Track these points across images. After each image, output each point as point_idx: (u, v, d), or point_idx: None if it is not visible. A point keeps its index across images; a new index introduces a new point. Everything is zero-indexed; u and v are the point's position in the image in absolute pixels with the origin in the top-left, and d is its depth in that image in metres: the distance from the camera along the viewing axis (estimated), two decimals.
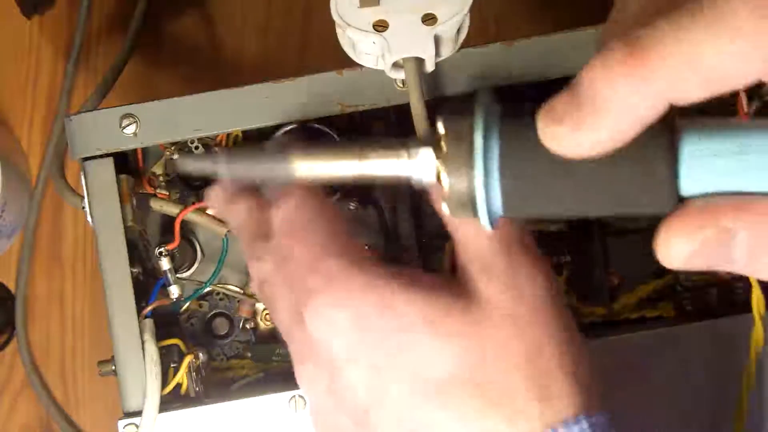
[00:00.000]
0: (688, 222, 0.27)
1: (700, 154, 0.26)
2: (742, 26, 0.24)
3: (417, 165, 0.31)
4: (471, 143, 0.29)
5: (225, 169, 0.34)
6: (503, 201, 0.29)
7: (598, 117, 0.26)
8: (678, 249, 0.28)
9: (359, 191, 0.52)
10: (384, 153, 0.32)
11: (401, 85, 0.47)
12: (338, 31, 0.46)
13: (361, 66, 0.47)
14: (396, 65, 0.45)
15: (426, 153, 0.31)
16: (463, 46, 0.47)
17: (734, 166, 0.26)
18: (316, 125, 0.51)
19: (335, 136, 0.52)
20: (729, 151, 0.26)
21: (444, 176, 0.30)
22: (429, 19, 0.45)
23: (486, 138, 0.29)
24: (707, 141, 0.26)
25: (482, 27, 0.63)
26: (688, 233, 0.27)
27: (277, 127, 0.51)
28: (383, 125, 0.52)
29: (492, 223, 0.31)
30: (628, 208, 0.28)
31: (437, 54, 0.45)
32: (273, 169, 0.33)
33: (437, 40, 0.45)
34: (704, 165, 0.26)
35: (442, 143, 0.30)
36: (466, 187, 0.29)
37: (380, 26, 0.45)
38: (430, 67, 0.46)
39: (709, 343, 0.47)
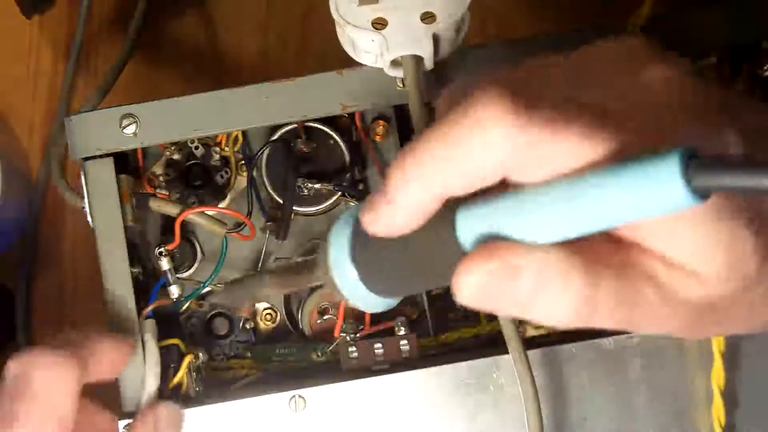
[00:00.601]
0: (474, 259, 0.32)
1: (470, 218, 0.33)
2: (487, 141, 0.31)
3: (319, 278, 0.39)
4: (327, 247, 0.37)
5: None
6: (361, 279, 0.36)
7: (389, 209, 0.34)
8: (467, 283, 0.32)
9: (360, 192, 0.52)
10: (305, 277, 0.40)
11: (401, 85, 0.47)
12: (338, 29, 0.46)
13: (361, 65, 0.48)
14: (395, 63, 0.45)
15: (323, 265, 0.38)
16: (463, 46, 0.47)
17: (497, 223, 0.32)
18: (316, 125, 0.51)
19: (335, 136, 0.52)
20: (488, 212, 0.32)
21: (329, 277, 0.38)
22: (428, 17, 0.45)
23: (340, 238, 0.37)
24: (473, 207, 0.33)
25: (482, 26, 0.63)
26: (474, 267, 0.32)
27: (277, 127, 0.51)
28: (383, 125, 0.52)
29: (361, 301, 0.37)
30: (439, 277, 0.34)
31: (436, 53, 0.45)
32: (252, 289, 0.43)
33: (436, 39, 0.45)
34: (475, 226, 0.32)
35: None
36: (329, 277, 0.37)
37: (379, 24, 0.45)
38: (429, 65, 0.46)
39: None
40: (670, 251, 0.32)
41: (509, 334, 0.45)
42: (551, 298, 0.32)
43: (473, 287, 0.32)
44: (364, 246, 0.36)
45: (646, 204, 0.29)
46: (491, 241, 0.32)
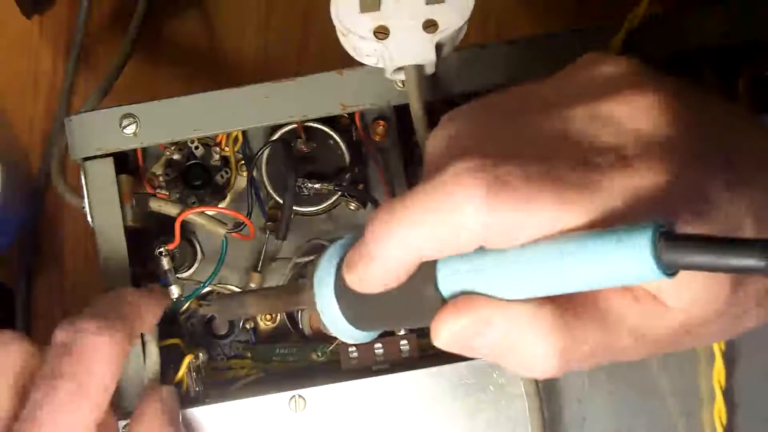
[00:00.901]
0: (450, 311, 0.34)
1: (449, 273, 0.34)
2: (461, 218, 0.32)
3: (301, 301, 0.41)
4: (311, 287, 0.39)
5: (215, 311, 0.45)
6: (345, 317, 0.38)
7: (370, 270, 0.35)
8: (441, 330, 0.34)
9: (359, 192, 0.52)
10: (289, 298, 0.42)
11: (401, 85, 0.47)
12: (339, 36, 0.46)
13: (361, 65, 0.48)
14: (397, 69, 0.45)
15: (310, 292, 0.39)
16: (463, 46, 0.47)
17: (474, 280, 0.33)
18: (316, 125, 0.51)
19: (335, 136, 0.52)
20: (466, 269, 0.34)
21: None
22: (430, 26, 0.44)
23: (324, 278, 0.38)
24: (452, 263, 0.34)
25: (482, 27, 0.63)
26: (449, 319, 0.34)
27: (277, 127, 0.51)
28: (383, 125, 0.52)
29: (347, 336, 0.39)
30: (419, 320, 0.36)
31: (437, 58, 0.45)
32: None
33: (438, 47, 0.45)
34: (454, 281, 0.34)
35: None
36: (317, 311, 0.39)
37: (381, 33, 0.44)
38: (430, 70, 0.46)
39: None
40: (642, 286, 0.33)
41: None
42: (527, 352, 0.33)
43: (448, 337, 0.34)
44: (347, 290, 0.37)
45: (615, 276, 0.30)
46: (467, 295, 0.34)
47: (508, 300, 0.33)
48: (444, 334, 0.34)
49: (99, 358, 0.41)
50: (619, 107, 0.34)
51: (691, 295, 0.33)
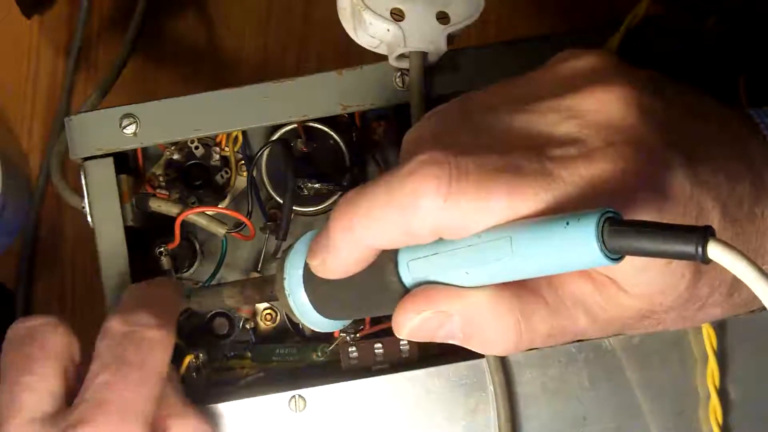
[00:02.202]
0: (409, 305, 0.35)
1: (408, 261, 0.35)
2: (418, 211, 0.33)
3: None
4: (281, 272, 0.40)
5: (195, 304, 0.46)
6: (312, 304, 0.39)
7: (332, 256, 0.36)
8: (403, 324, 0.35)
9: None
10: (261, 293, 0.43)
11: (401, 85, 0.47)
12: (347, 8, 0.46)
13: (361, 66, 0.48)
14: (401, 56, 0.45)
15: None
16: (463, 46, 0.47)
17: (432, 268, 0.34)
18: (316, 125, 0.51)
19: (335, 136, 0.52)
20: (424, 257, 0.35)
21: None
22: (443, 17, 0.45)
23: (294, 265, 0.39)
24: (411, 252, 0.35)
25: (482, 27, 0.63)
26: (409, 313, 0.35)
27: (277, 127, 0.51)
28: (383, 125, 0.52)
29: (313, 324, 0.40)
30: (383, 308, 0.37)
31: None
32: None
33: (449, 39, 0.45)
34: (413, 269, 0.35)
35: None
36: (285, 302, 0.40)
37: (397, 15, 0.45)
38: (433, 59, 0.46)
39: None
40: (600, 272, 0.34)
41: None
42: (486, 333, 0.34)
43: (409, 329, 0.35)
44: (314, 277, 0.38)
45: (566, 262, 0.31)
46: (425, 287, 0.35)
47: (466, 287, 0.34)
48: (405, 329, 0.35)
49: (159, 351, 0.43)
50: (584, 101, 0.35)
51: (649, 283, 0.33)
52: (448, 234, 0.33)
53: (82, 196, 0.49)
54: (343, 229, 0.35)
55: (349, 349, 0.49)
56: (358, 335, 0.50)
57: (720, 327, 0.47)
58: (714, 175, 0.34)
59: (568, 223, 0.30)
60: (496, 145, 0.34)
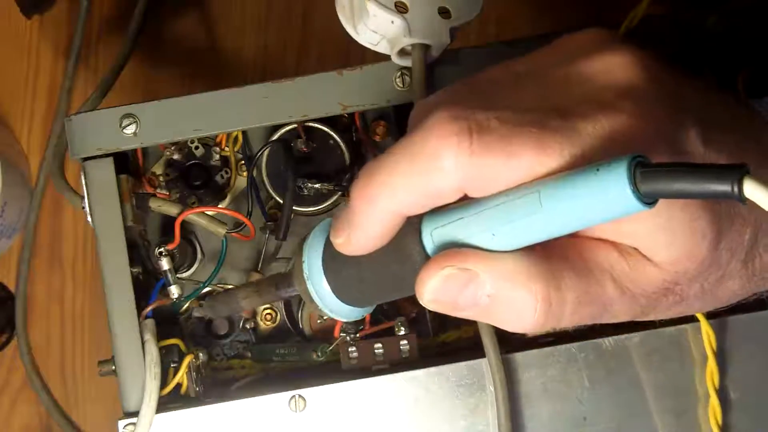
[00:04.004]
0: (434, 263, 0.33)
1: (432, 228, 0.34)
2: (441, 170, 0.32)
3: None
4: (301, 258, 0.39)
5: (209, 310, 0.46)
6: (333, 290, 0.38)
7: (356, 231, 0.35)
8: (425, 281, 0.33)
9: None
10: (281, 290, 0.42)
11: (401, 85, 0.47)
12: (340, 4, 0.46)
13: (361, 66, 0.47)
14: (402, 51, 0.45)
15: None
16: (463, 46, 0.47)
17: (457, 233, 0.33)
18: (316, 125, 0.51)
19: (335, 136, 0.52)
20: (449, 222, 0.33)
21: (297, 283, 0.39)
22: (444, 12, 0.45)
23: (313, 250, 0.38)
24: (435, 218, 0.34)
25: (482, 27, 0.63)
26: (433, 271, 0.33)
27: (277, 127, 0.51)
28: (383, 125, 0.52)
29: (334, 311, 0.39)
30: (409, 286, 0.35)
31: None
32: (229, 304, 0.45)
33: (451, 34, 0.45)
34: (438, 236, 0.34)
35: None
36: (304, 288, 0.39)
37: (401, 7, 0.45)
38: (435, 54, 0.46)
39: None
40: (625, 241, 0.33)
41: (486, 342, 0.46)
42: (513, 303, 0.33)
43: (431, 291, 0.33)
44: (335, 259, 0.37)
45: (598, 212, 0.30)
46: (452, 248, 0.33)
47: (492, 251, 0.33)
48: (428, 290, 0.33)
49: None
50: (593, 64, 0.34)
51: (672, 244, 0.33)
52: (474, 192, 0.32)
53: (82, 196, 0.49)
54: (367, 200, 0.34)
55: (349, 349, 0.49)
56: (358, 335, 0.50)
57: (720, 327, 0.47)
58: (724, 140, 0.34)
59: (598, 170, 0.29)
60: (512, 108, 0.33)
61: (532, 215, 0.31)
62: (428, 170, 0.32)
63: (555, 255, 0.33)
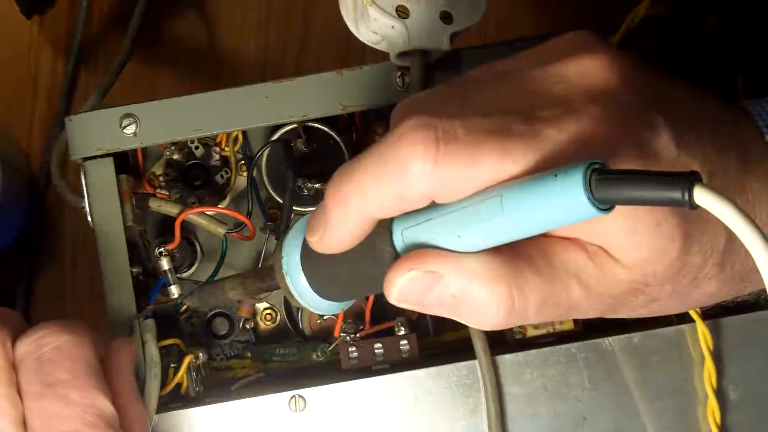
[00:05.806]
0: (401, 264, 0.35)
1: (402, 229, 0.35)
2: (409, 176, 0.33)
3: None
4: (280, 253, 0.40)
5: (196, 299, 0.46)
6: (311, 285, 0.39)
7: (329, 231, 0.36)
8: (392, 281, 0.35)
9: None
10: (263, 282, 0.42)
11: (401, 85, 0.48)
12: (343, 7, 0.46)
13: (361, 66, 0.48)
14: (402, 54, 0.45)
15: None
16: (463, 46, 0.47)
17: (425, 234, 0.34)
18: (316, 125, 0.51)
19: (335, 136, 0.52)
20: (417, 224, 0.35)
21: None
22: (446, 17, 0.45)
23: (292, 247, 0.39)
24: (405, 220, 0.35)
25: (482, 28, 0.63)
26: (400, 272, 0.34)
27: (277, 127, 0.51)
28: (383, 125, 0.52)
29: (313, 306, 0.40)
30: (379, 282, 0.36)
31: None
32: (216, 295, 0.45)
33: (451, 39, 0.45)
34: (407, 237, 0.35)
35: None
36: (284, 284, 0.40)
37: (402, 12, 0.45)
38: (435, 56, 0.46)
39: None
40: (592, 240, 0.34)
41: (476, 342, 0.46)
42: (476, 303, 0.34)
43: (398, 291, 0.35)
44: (311, 256, 0.38)
45: (557, 216, 0.31)
46: (420, 249, 0.35)
47: (458, 252, 0.34)
48: (395, 290, 0.35)
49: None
50: (569, 67, 0.35)
51: (639, 247, 0.33)
52: (440, 198, 0.34)
53: (82, 196, 0.49)
54: (339, 202, 0.35)
55: (349, 349, 0.49)
56: (358, 335, 0.50)
57: (719, 328, 0.47)
58: (700, 142, 0.34)
59: (556, 176, 0.30)
60: (483, 111, 0.34)
61: (494, 218, 0.32)
62: (398, 177, 0.33)
63: (520, 256, 0.34)
